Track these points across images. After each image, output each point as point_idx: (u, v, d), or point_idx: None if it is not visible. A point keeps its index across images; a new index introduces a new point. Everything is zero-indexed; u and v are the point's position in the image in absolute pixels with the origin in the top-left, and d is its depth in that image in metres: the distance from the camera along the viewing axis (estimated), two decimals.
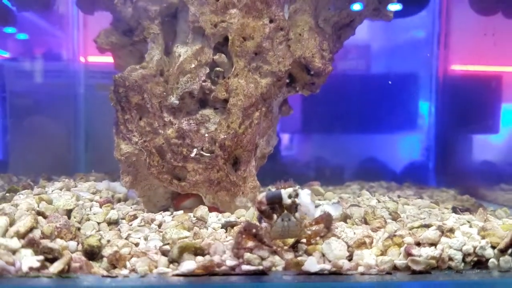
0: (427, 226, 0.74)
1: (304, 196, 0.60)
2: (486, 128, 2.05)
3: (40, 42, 1.86)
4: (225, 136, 0.97)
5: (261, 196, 0.61)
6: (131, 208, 0.97)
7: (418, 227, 0.74)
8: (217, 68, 1.05)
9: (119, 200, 1.06)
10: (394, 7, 1.16)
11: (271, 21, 1.01)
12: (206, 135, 1.00)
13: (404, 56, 2.11)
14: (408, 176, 2.06)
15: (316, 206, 1.07)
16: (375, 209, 1.00)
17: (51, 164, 1.84)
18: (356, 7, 1.14)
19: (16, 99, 1.84)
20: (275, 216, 0.62)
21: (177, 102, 1.02)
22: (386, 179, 2.02)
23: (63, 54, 1.89)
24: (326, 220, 0.68)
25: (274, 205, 0.59)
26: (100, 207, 0.91)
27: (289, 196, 0.60)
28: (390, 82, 2.07)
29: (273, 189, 0.64)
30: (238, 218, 0.90)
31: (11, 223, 0.65)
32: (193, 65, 1.04)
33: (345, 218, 0.97)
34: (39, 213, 0.71)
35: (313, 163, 2.13)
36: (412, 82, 2.21)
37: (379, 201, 1.14)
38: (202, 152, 0.97)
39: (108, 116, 1.83)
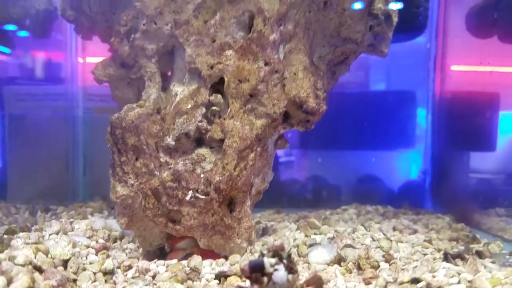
0: (417, 280, 0.75)
1: (281, 274, 0.61)
2: (482, 146, 2.06)
3: (39, 65, 1.88)
4: (220, 178, 0.99)
5: (244, 264, 0.62)
6: (126, 254, 0.98)
7: (408, 282, 0.75)
8: (213, 107, 1.07)
9: (115, 240, 1.07)
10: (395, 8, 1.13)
11: (266, 64, 1.02)
12: (202, 175, 1.01)
13: (401, 78, 2.13)
14: (405, 197, 2.07)
15: (311, 245, 1.09)
16: (369, 250, 1.02)
17: (49, 186, 1.85)
18: (352, 46, 1.15)
19: (15, 122, 1.86)
20: (265, 279, 0.63)
21: (173, 143, 1.03)
22: (382, 200, 2.03)
23: (62, 77, 1.90)
24: (317, 284, 0.69)
25: (257, 273, 0.60)
26: (96, 254, 0.92)
27: (272, 265, 0.60)
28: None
29: (264, 252, 0.65)
30: (232, 265, 0.91)
31: (9, 281, 0.66)
32: (189, 106, 1.05)
33: (339, 260, 0.98)
34: (36, 268, 0.72)
35: (309, 183, 2.14)
36: (409, 102, 2.23)
37: (373, 240, 1.15)
38: (197, 195, 0.98)
39: (105, 139, 1.86)
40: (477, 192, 2.01)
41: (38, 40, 1.66)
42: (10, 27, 1.50)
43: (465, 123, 2.00)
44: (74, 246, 0.93)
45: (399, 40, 1.70)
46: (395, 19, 1.22)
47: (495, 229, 1.51)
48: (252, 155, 1.02)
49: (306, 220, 1.31)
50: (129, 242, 1.10)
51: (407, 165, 2.27)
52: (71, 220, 1.21)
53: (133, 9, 1.09)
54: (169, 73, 1.16)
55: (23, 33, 1.57)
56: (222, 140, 1.03)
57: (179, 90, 1.09)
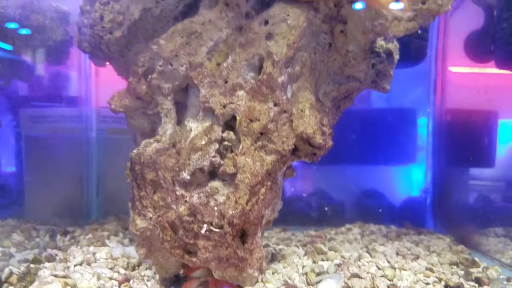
0: None
1: None
2: (481, 163, 2.12)
3: (55, 89, 1.96)
4: (233, 212, 1.06)
5: None
6: (146, 286, 1.06)
7: None
8: (226, 142, 1.14)
9: (134, 267, 1.14)
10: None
11: (275, 104, 1.09)
12: (215, 208, 1.09)
13: (402, 101, 2.20)
14: (407, 214, 2.14)
15: (319, 274, 1.16)
16: (375, 279, 1.09)
17: (64, 205, 1.93)
18: (355, 84, 1.22)
19: (31, 143, 1.93)
20: None
21: (188, 177, 1.11)
22: (385, 217, 2.10)
23: (76, 99, 1.98)
24: None
25: None
26: (119, 286, 0.99)
27: None
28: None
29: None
30: None
31: None
32: (203, 142, 1.12)
33: None
34: None
35: (314, 199, 2.21)
36: (410, 120, 2.29)
37: (378, 268, 1.22)
38: (211, 228, 1.05)
39: (118, 159, 1.93)
40: (476, 210, 2.07)
41: (55, 66, 1.73)
42: (29, 58, 1.57)
43: (464, 141, 2.07)
44: (98, 278, 1.00)
45: (400, 67, 1.77)
46: (397, 56, 1.29)
47: (494, 252, 1.58)
48: (263, 189, 1.09)
49: (313, 245, 1.38)
50: (146, 269, 1.18)
51: (409, 181, 2.34)
52: (91, 247, 1.28)
53: (150, 51, 1.17)
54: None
55: (40, 62, 1.64)
56: (234, 174, 1.11)
57: (194, 126, 1.17)
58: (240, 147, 1.10)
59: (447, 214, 2.04)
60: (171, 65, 1.16)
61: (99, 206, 1.97)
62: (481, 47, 1.89)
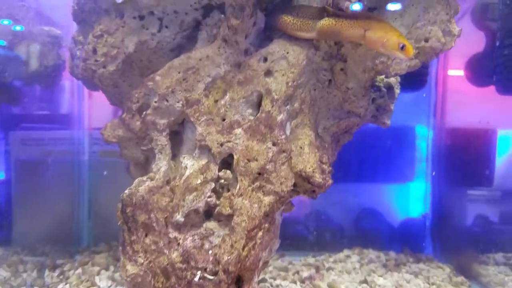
0: None
1: None
2: (480, 182, 2.11)
3: (46, 112, 1.92)
4: (229, 257, 1.03)
5: None
6: None
7: None
8: (222, 181, 1.11)
9: None
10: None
11: (274, 144, 1.07)
12: (210, 251, 1.06)
13: (403, 116, 2.18)
14: (406, 237, 2.12)
15: None
16: None
17: (54, 231, 1.88)
18: (355, 119, 1.20)
19: (20, 166, 1.89)
20: None
21: (182, 219, 1.07)
22: (384, 241, 2.07)
23: (68, 122, 1.94)
24: None
25: None
26: None
27: None
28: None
29: None
30: None
31: None
32: (199, 181, 1.09)
33: None
34: None
35: (311, 221, 2.17)
36: (410, 140, 2.27)
37: None
38: (206, 275, 1.02)
39: (110, 182, 1.90)
40: (475, 233, 2.06)
41: (46, 89, 1.70)
42: (19, 83, 1.54)
43: (463, 161, 2.05)
44: None
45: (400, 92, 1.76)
46: (397, 90, 1.27)
47: (494, 283, 1.56)
48: (260, 233, 1.06)
49: (311, 282, 1.35)
50: None
51: (408, 202, 2.32)
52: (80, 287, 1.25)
53: (145, 86, 1.14)
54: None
55: (32, 86, 1.61)
56: (230, 215, 1.08)
57: (189, 163, 1.13)
58: (237, 187, 1.07)
59: (446, 239, 2.03)
60: (167, 101, 1.13)
61: (90, 231, 1.94)
62: (481, 71, 1.87)
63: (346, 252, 1.86)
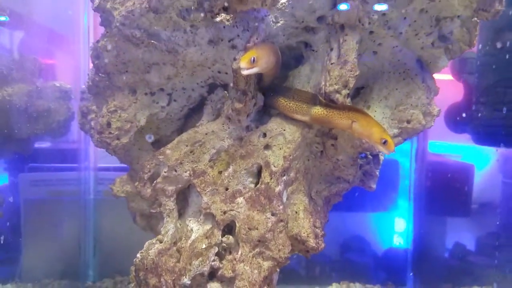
0: None
1: None
2: (458, 213, 2.22)
3: (53, 155, 1.99)
4: None
5: None
6: None
7: None
8: (224, 245, 1.20)
9: None
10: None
11: (272, 214, 1.16)
12: None
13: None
14: (390, 269, 2.22)
15: None
16: None
17: (61, 266, 1.95)
18: (345, 185, 1.30)
19: (29, 206, 1.96)
20: None
21: (189, 282, 1.16)
22: (369, 271, 2.17)
23: (75, 165, 2.01)
24: None
25: None
26: None
27: None
28: None
29: None
30: None
31: None
32: (204, 246, 1.17)
33: None
34: None
35: (302, 257, 2.26)
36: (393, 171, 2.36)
37: None
38: None
39: (114, 221, 1.97)
40: (452, 266, 2.17)
41: (56, 138, 1.77)
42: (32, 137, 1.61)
43: (442, 192, 2.16)
44: None
45: None
46: (382, 157, 1.37)
47: None
48: None
49: None
50: None
51: (392, 232, 2.42)
52: None
53: (156, 159, 1.22)
54: None
55: (44, 138, 1.68)
56: (232, 277, 1.16)
57: (195, 227, 1.22)
58: (239, 253, 1.16)
59: (425, 272, 2.13)
60: (176, 171, 1.21)
61: (95, 267, 2.00)
62: (459, 120, 1.99)
63: (335, 286, 1.96)
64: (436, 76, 1.23)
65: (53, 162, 1.91)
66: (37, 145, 1.72)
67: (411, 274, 2.16)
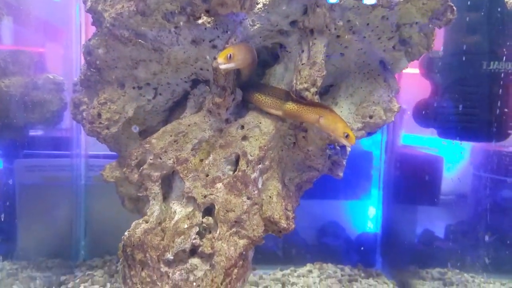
0: None
1: None
2: (427, 201, 2.34)
3: (47, 142, 2.05)
4: None
5: None
6: None
7: None
8: (204, 225, 1.29)
9: None
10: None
11: (248, 198, 1.26)
12: (194, 283, 1.24)
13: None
14: (361, 252, 2.34)
15: None
16: None
17: (54, 247, 2.03)
18: (315, 173, 1.40)
19: (24, 190, 2.02)
20: None
21: (172, 257, 1.25)
22: (342, 254, 2.29)
23: (67, 152, 2.08)
24: None
25: None
26: None
27: None
28: None
29: None
30: None
31: None
32: (186, 226, 1.27)
33: None
34: None
35: (279, 239, 2.37)
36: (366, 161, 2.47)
37: None
38: None
39: (103, 204, 2.05)
40: (417, 250, 2.29)
41: (49, 127, 1.83)
42: (27, 126, 1.68)
43: (411, 180, 2.27)
44: None
45: None
46: (349, 148, 1.47)
47: None
48: (236, 270, 1.25)
49: None
50: None
51: (364, 218, 2.54)
52: None
53: (142, 147, 1.31)
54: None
55: (38, 126, 1.75)
56: (211, 254, 1.26)
57: (178, 209, 1.31)
58: (218, 232, 1.26)
59: (392, 255, 2.26)
60: (161, 158, 1.30)
61: (86, 247, 2.09)
62: (426, 115, 2.10)
63: (309, 267, 2.08)
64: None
65: (47, 149, 1.97)
66: (32, 133, 1.78)
67: (379, 256, 2.29)
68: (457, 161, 2.28)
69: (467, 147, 2.21)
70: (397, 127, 2.30)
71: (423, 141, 2.31)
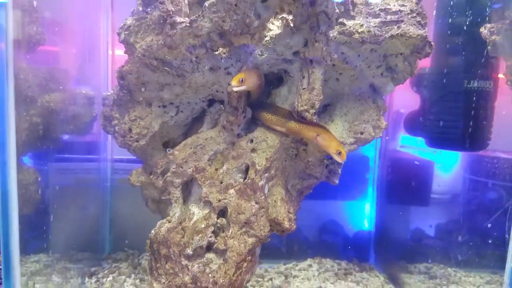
0: None
1: None
2: (418, 202, 2.47)
3: (78, 148, 2.21)
4: (223, 280, 1.37)
5: None
6: None
7: None
8: (218, 225, 1.45)
9: None
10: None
11: (256, 202, 1.41)
12: (210, 274, 1.40)
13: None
14: (357, 248, 2.48)
15: None
16: None
17: (83, 241, 2.20)
18: (314, 180, 1.55)
19: (57, 191, 2.19)
20: None
21: (191, 252, 1.41)
22: (340, 250, 2.43)
23: (95, 156, 2.24)
24: None
25: None
26: None
27: None
28: None
29: None
30: None
31: None
32: (203, 225, 1.43)
33: None
34: None
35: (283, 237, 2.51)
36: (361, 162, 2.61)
37: None
38: None
39: (126, 204, 2.21)
40: (407, 246, 2.43)
41: (80, 137, 2.00)
42: (64, 135, 1.84)
43: (403, 181, 2.40)
44: None
45: None
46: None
47: None
48: (245, 264, 1.41)
49: None
50: None
51: (360, 217, 2.68)
52: None
53: (167, 158, 1.47)
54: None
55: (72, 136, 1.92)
56: (224, 250, 1.42)
57: (196, 211, 1.47)
58: (230, 231, 1.41)
59: (384, 251, 2.40)
60: (182, 167, 1.46)
61: (111, 242, 2.25)
62: (415, 125, 2.24)
63: (309, 261, 2.23)
64: None
65: (78, 154, 2.14)
66: (66, 139, 1.95)
67: (373, 251, 2.43)
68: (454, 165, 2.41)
69: (455, 154, 2.34)
70: (396, 129, 2.45)
71: (423, 141, 2.38)
